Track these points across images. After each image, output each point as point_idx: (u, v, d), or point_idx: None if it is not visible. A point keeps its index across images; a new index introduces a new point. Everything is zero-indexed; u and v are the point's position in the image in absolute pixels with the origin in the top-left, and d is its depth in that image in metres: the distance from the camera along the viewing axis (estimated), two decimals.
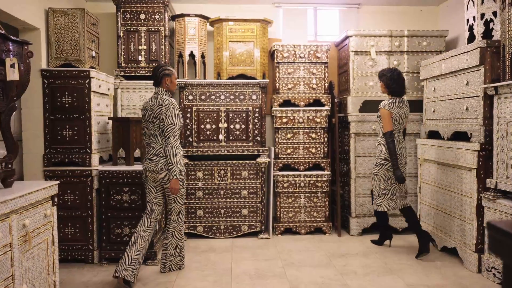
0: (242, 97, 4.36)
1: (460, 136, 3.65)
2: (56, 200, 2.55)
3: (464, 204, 3.49)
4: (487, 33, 3.46)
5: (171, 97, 3.19)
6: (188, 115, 4.32)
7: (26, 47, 2.33)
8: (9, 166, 2.33)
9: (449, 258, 3.67)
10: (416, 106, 4.47)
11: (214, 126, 4.34)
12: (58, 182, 2.59)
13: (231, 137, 4.35)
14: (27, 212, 2.20)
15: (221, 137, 4.34)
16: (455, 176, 3.63)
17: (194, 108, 4.32)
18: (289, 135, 4.47)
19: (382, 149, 3.75)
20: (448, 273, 3.33)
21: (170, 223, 3.35)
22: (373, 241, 4.15)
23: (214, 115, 4.34)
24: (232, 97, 4.34)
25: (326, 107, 4.47)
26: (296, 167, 4.49)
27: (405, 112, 3.77)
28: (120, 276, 3.03)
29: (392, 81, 3.73)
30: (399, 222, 4.45)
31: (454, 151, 3.60)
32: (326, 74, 4.51)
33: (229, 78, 4.44)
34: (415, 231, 3.74)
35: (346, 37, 4.51)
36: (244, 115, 4.35)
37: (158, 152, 3.15)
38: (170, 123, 3.08)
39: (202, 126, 4.34)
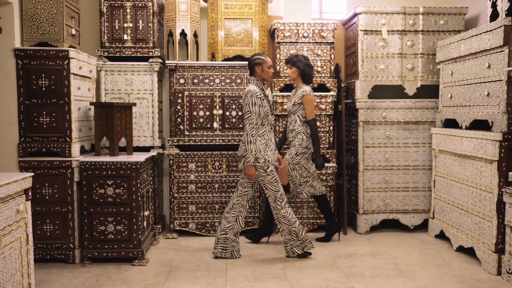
0: (239, 80, 4.28)
1: (480, 124, 3.60)
2: (30, 194, 2.49)
3: (483, 199, 3.45)
4: None
5: (257, 86, 3.55)
6: (179, 100, 4.25)
7: None
8: None
9: (465, 259, 3.64)
10: (431, 91, 4.41)
11: (208, 113, 4.27)
12: (32, 174, 2.53)
13: (226, 125, 4.29)
14: None
15: (215, 125, 4.27)
16: (473, 169, 3.57)
17: (186, 93, 4.25)
18: None
19: (303, 138, 3.93)
20: (464, 276, 3.29)
21: (272, 211, 3.67)
22: (248, 237, 4.14)
23: (208, 100, 4.26)
24: (228, 80, 4.26)
25: (332, 93, 4.39)
26: None
27: None
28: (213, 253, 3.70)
29: (309, 68, 3.95)
30: (410, 219, 4.41)
31: (473, 142, 3.54)
32: (332, 56, 4.42)
33: (225, 60, 4.37)
34: (326, 219, 4.12)
35: (355, 15, 4.43)
36: (241, 100, 4.28)
37: (243, 139, 3.62)
38: (246, 110, 3.52)
39: (195, 113, 4.26)
